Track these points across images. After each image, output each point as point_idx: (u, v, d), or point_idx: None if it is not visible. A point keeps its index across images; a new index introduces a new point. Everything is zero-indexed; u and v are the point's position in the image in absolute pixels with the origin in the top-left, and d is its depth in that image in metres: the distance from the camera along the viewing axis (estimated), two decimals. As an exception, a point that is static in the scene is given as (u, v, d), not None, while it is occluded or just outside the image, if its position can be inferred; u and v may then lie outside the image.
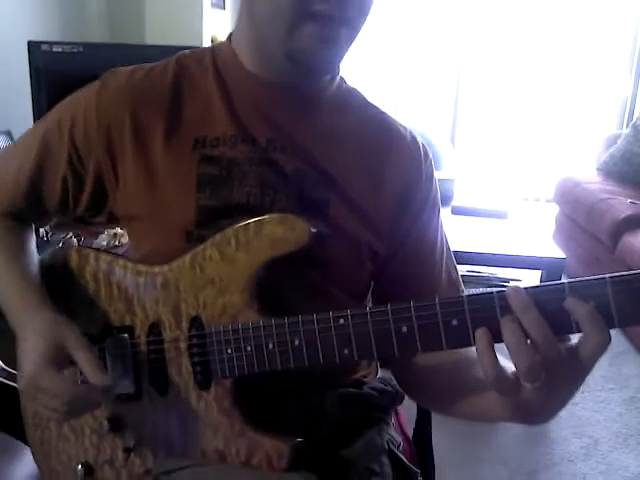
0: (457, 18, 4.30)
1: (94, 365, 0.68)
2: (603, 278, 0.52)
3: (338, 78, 0.83)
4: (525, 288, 0.55)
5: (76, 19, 2.46)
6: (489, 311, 0.56)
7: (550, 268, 2.06)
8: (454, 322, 0.57)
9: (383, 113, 0.84)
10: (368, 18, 0.72)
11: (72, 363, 0.70)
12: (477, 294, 0.57)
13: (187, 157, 0.76)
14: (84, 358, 0.69)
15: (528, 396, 0.57)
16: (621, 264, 2.65)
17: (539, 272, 2.14)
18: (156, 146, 0.77)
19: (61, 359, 0.70)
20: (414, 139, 0.84)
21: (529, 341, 0.54)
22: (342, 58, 0.74)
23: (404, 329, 0.59)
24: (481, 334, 0.55)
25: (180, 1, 2.81)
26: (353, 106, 0.83)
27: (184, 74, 0.80)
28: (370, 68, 4.36)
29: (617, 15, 4.20)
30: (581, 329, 0.53)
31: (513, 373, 0.56)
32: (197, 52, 0.83)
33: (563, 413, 0.61)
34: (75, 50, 1.83)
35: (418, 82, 4.49)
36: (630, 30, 4.17)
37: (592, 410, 2.16)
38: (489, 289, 0.56)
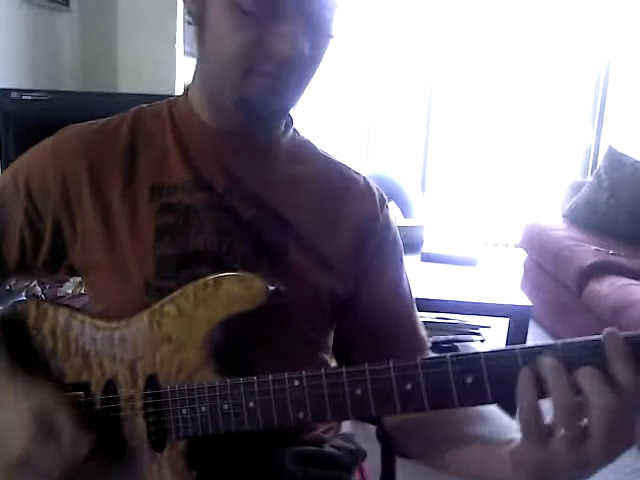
0: (426, 66, 4.42)
1: (75, 430, 0.68)
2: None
3: (291, 130, 0.86)
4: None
5: (48, 67, 2.46)
6: (443, 374, 0.56)
7: (517, 316, 2.08)
8: (408, 386, 0.57)
9: (336, 162, 0.87)
10: (319, 68, 0.75)
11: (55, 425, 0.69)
12: (430, 357, 0.57)
13: (145, 207, 0.77)
14: (65, 422, 0.68)
15: (557, 448, 0.54)
16: (587, 311, 2.68)
17: (507, 320, 2.16)
18: (114, 197, 0.77)
19: (46, 424, 0.68)
20: (367, 184, 0.86)
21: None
22: (293, 105, 0.77)
23: (358, 392, 0.59)
24: (526, 370, 0.54)
25: (153, 49, 2.84)
26: (307, 156, 0.85)
27: (140, 127, 0.82)
28: (340, 115, 4.45)
29: (580, 66, 4.37)
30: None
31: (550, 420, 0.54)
32: (155, 106, 0.85)
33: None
34: (46, 98, 1.83)
35: (388, 131, 4.59)
36: (592, 80, 4.33)
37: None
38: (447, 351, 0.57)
